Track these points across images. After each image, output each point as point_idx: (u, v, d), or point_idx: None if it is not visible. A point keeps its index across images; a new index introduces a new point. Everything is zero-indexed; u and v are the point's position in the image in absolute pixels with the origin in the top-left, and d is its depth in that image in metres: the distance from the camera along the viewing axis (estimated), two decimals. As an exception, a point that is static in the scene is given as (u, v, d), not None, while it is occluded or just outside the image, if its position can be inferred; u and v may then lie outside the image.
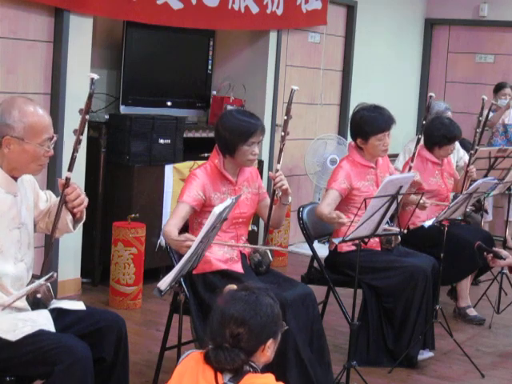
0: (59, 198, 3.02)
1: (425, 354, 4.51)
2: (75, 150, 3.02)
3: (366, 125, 4.48)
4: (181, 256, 3.23)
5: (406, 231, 4.27)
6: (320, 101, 7.59)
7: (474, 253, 5.12)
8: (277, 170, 3.82)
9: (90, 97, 3.00)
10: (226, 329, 2.46)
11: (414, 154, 4.90)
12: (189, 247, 3.29)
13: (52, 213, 3.14)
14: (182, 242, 3.42)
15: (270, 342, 2.50)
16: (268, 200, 3.94)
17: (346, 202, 4.49)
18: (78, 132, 3.00)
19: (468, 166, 5.27)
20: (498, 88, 7.87)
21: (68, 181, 3.00)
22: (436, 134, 5.14)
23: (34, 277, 3.03)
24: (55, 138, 3.00)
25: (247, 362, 2.46)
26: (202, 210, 3.72)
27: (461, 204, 4.64)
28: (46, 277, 2.90)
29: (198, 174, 3.74)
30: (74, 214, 3.10)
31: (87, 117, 3.01)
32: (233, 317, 2.46)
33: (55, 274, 2.89)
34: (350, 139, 7.41)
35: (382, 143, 4.49)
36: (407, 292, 4.38)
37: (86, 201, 3.06)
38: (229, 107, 6.30)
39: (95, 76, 3.01)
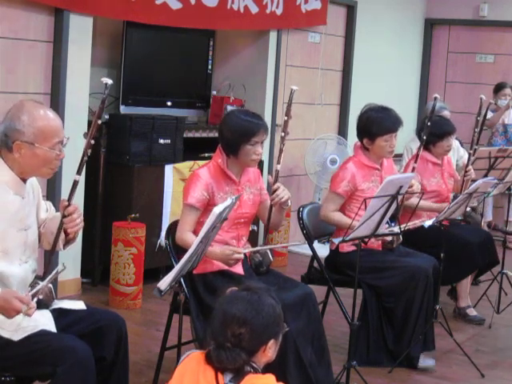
0: (60, 218, 2.99)
1: (427, 362, 4.49)
2: (85, 154, 3.01)
3: (373, 125, 4.47)
4: (180, 256, 3.23)
5: (408, 226, 4.25)
6: (320, 101, 7.59)
7: (474, 253, 5.13)
8: (277, 172, 3.82)
9: (104, 101, 3.00)
10: (228, 328, 2.46)
11: (417, 155, 4.88)
12: (236, 260, 3.49)
13: (47, 225, 3.14)
14: (230, 255, 3.54)
15: (271, 343, 2.49)
16: (268, 202, 3.93)
17: (348, 201, 4.49)
18: (89, 136, 2.99)
19: (467, 166, 5.26)
20: (498, 88, 7.87)
21: (76, 184, 3.00)
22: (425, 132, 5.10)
23: (37, 277, 3.03)
24: (66, 141, 2.98)
25: (248, 362, 2.46)
26: (204, 208, 3.72)
27: (461, 204, 4.64)
28: (52, 274, 2.89)
29: (202, 174, 3.74)
30: (66, 234, 3.08)
31: (99, 121, 3.01)
32: (235, 316, 2.46)
33: (60, 268, 2.86)
34: (350, 139, 7.44)
35: (388, 144, 4.49)
36: (408, 292, 4.38)
37: (81, 224, 3.05)
38: (229, 107, 6.30)
39: (109, 81, 3.00)
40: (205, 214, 3.68)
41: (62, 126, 2.99)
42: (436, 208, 5.05)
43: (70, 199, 2.99)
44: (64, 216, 2.98)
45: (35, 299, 2.75)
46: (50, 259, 3.06)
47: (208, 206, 3.71)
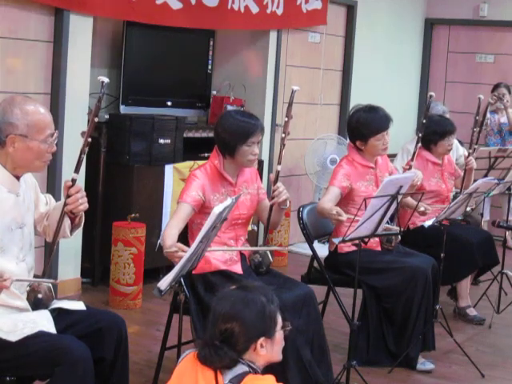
0: (63, 201, 3.01)
1: (426, 366, 4.48)
2: (82, 152, 3.02)
3: (364, 127, 4.48)
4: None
5: (407, 228, 4.25)
6: (320, 101, 7.59)
7: (474, 253, 5.13)
8: (277, 172, 3.81)
9: (100, 100, 3.01)
10: (216, 326, 2.49)
11: (414, 153, 4.89)
12: (181, 257, 3.27)
13: (51, 216, 3.15)
14: (174, 253, 3.35)
15: (261, 340, 2.49)
16: (266, 202, 3.93)
17: (345, 202, 4.48)
18: (87, 134, 3.00)
19: (467, 157, 5.26)
20: (494, 88, 7.89)
21: (74, 182, 3.01)
22: (426, 131, 5.09)
23: (36, 277, 3.03)
24: (56, 134, 3.01)
25: (237, 359, 2.46)
26: (200, 211, 3.71)
27: (461, 204, 4.65)
28: (49, 280, 2.91)
29: (198, 175, 3.73)
30: (72, 220, 3.10)
31: (96, 119, 3.01)
32: (220, 314, 2.50)
33: (57, 281, 2.93)
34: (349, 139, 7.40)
35: (381, 143, 4.49)
36: (407, 292, 4.38)
37: (85, 204, 3.05)
38: (229, 107, 6.30)
39: (105, 79, 3.02)
40: (202, 217, 3.68)
41: (52, 120, 3.01)
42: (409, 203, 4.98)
43: (64, 200, 3.00)
44: (68, 197, 2.98)
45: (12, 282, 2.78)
46: (50, 259, 3.05)
47: (203, 208, 3.70)
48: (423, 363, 4.47)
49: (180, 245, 3.39)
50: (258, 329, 2.49)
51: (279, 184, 3.76)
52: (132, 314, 5.17)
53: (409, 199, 4.82)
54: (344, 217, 4.20)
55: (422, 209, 4.78)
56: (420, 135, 4.87)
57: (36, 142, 2.93)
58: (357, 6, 7.85)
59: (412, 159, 4.87)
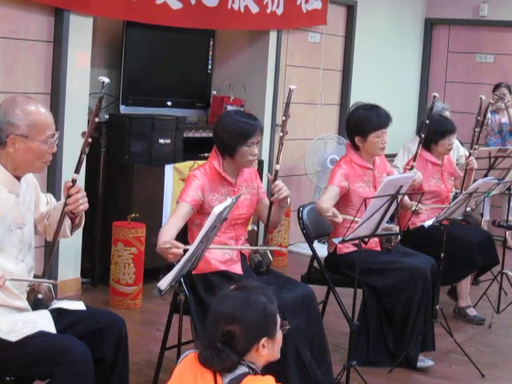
0: (64, 201, 3.01)
1: (426, 362, 4.48)
2: (83, 153, 3.02)
3: (365, 122, 4.48)
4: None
5: (407, 228, 4.25)
6: (320, 101, 7.59)
7: (474, 253, 5.13)
8: (276, 172, 3.81)
9: (101, 100, 3.00)
10: (218, 328, 2.47)
11: (416, 153, 4.89)
12: (175, 255, 3.27)
13: (51, 216, 3.15)
14: (168, 249, 3.33)
15: (263, 341, 2.48)
16: (266, 200, 3.93)
17: (343, 203, 4.47)
18: (87, 134, 3.00)
19: (468, 157, 5.26)
20: (495, 88, 7.90)
21: (74, 182, 3.01)
22: (427, 131, 5.08)
23: (36, 277, 3.04)
24: (57, 135, 3.01)
25: (239, 361, 2.45)
26: (200, 211, 3.71)
27: (461, 204, 4.64)
28: (49, 280, 2.92)
29: (197, 175, 3.73)
30: (72, 220, 3.10)
31: (97, 119, 3.01)
32: (222, 315, 2.47)
33: (57, 281, 2.94)
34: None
35: (380, 140, 4.49)
36: (407, 292, 4.38)
37: (85, 204, 3.05)
38: (229, 107, 6.30)
39: (106, 79, 3.01)
40: (202, 218, 3.67)
41: (53, 120, 3.01)
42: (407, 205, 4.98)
43: (65, 200, 3.00)
44: (68, 197, 2.99)
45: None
46: (50, 259, 3.05)
47: (202, 208, 3.70)
48: (423, 360, 4.47)
49: (174, 241, 3.38)
50: (260, 329, 2.49)
51: (278, 182, 3.76)
52: (132, 313, 5.17)
53: (405, 199, 4.81)
54: (339, 218, 4.20)
55: (414, 208, 4.79)
56: (422, 136, 4.86)
57: (37, 143, 2.93)
58: (357, 5, 7.85)
59: (414, 159, 4.87)
